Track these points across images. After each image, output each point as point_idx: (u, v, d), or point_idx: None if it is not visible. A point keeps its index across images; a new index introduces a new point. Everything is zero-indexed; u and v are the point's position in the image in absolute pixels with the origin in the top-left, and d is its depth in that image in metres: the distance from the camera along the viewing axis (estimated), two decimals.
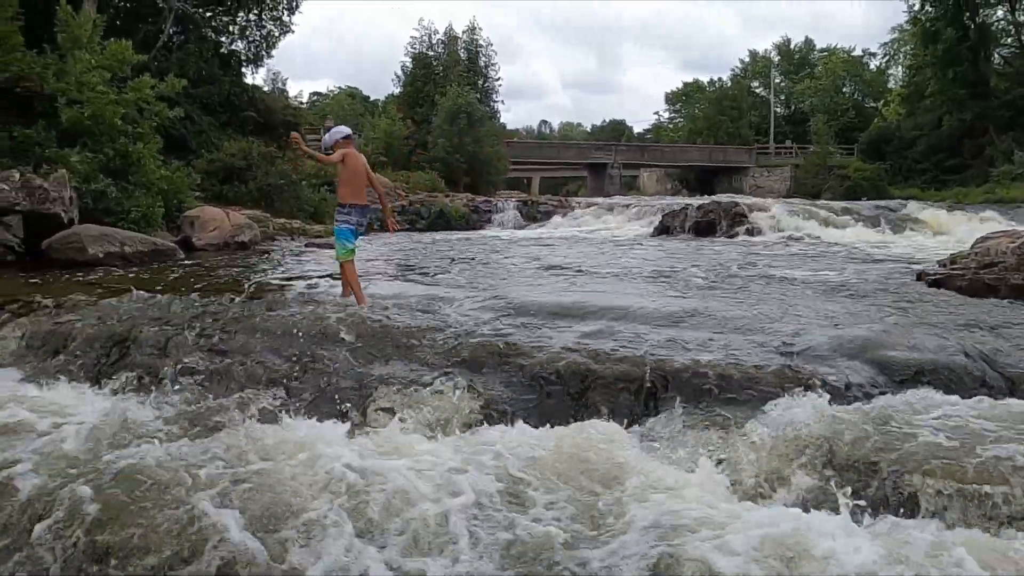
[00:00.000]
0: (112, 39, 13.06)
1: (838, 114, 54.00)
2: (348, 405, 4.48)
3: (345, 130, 6.68)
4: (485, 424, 4.09)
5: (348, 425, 4.11)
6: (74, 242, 9.85)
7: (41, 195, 10.10)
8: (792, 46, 66.15)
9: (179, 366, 5.03)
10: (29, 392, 4.77)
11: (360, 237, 6.77)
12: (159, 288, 7.41)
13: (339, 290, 6.96)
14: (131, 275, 8.71)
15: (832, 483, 3.24)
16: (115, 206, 11.49)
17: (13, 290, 7.41)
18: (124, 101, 12.23)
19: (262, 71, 45.23)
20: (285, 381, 4.81)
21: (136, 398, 4.62)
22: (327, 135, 6.69)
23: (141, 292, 6.96)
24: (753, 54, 67.96)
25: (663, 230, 18.20)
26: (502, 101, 50.14)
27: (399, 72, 44.83)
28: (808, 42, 66.35)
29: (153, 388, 4.81)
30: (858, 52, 61.23)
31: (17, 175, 9.97)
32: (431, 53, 43.43)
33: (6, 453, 3.59)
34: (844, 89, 58.78)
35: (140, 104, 12.70)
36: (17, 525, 3.02)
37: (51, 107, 11.71)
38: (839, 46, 63.03)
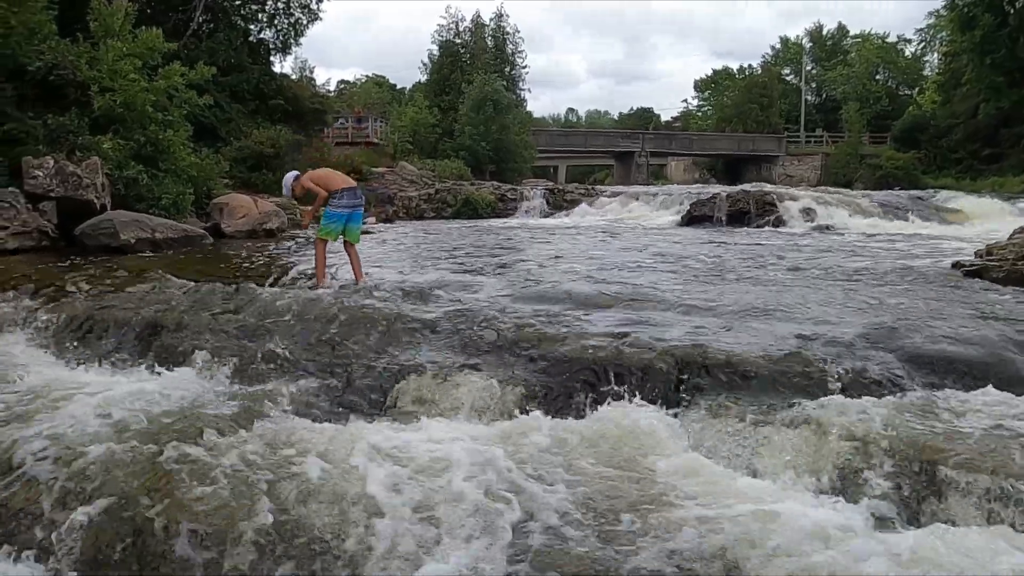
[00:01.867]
0: (143, 27, 13.16)
1: (871, 102, 52.93)
2: (377, 393, 4.48)
3: (291, 174, 7.25)
4: (517, 412, 4.06)
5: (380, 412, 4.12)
6: (106, 228, 9.98)
7: (75, 181, 10.24)
8: (824, 32, 64.92)
9: (209, 350, 5.07)
10: (62, 374, 4.84)
11: (366, 222, 6.94)
12: (189, 274, 7.47)
13: (356, 276, 6.99)
14: (162, 261, 8.80)
15: (871, 478, 3.16)
16: (146, 192, 11.62)
17: (48, 274, 7.53)
18: (155, 89, 12.34)
19: (290, 59, 45.42)
20: (314, 367, 4.82)
21: (168, 381, 4.65)
22: (285, 190, 7.31)
23: (171, 277, 7.03)
24: (784, 41, 66.87)
25: (691, 219, 17.98)
26: (529, 89, 50.01)
27: (426, 60, 44.87)
28: (841, 28, 65.06)
29: (186, 371, 4.85)
30: (892, 38, 59.95)
31: (51, 162, 10.11)
32: (458, 41, 43.36)
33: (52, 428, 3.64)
34: (877, 76, 57.57)
35: (170, 92, 12.80)
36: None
37: (84, 95, 11.85)
38: (873, 32, 61.76)
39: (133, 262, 8.62)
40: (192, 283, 6.85)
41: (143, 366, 5.04)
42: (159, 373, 4.79)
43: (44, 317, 6.04)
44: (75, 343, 5.57)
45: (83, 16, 12.77)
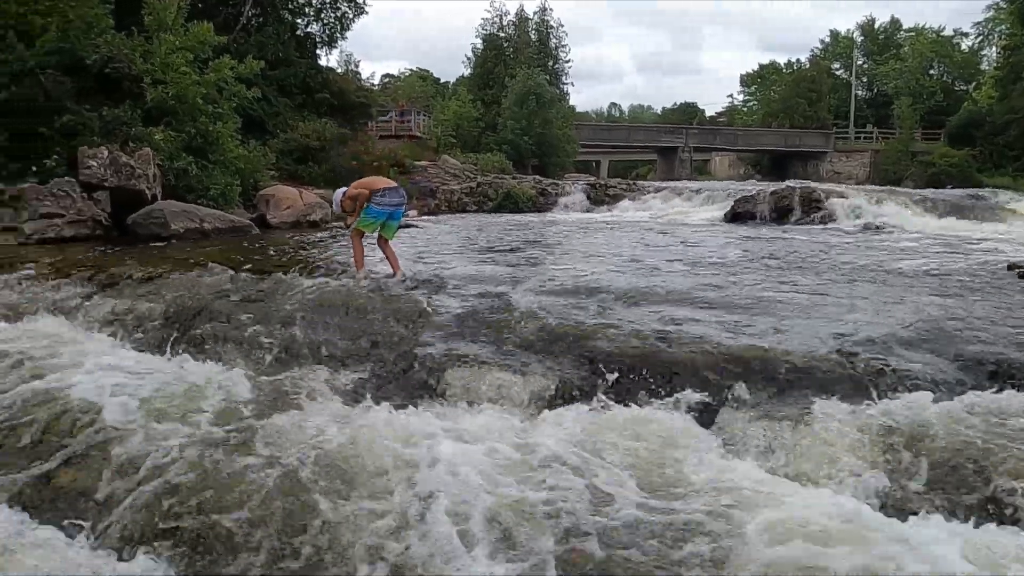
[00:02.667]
0: (195, 21, 13.47)
1: (924, 97, 51.39)
2: (416, 383, 4.53)
3: (340, 190, 7.36)
4: (553, 405, 4.07)
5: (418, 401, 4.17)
6: (157, 217, 10.26)
7: (127, 172, 10.55)
8: (877, 26, 63.26)
9: (250, 336, 5.19)
10: (111, 358, 4.98)
11: (408, 215, 7.03)
12: (234, 263, 7.63)
13: (393, 269, 7.06)
14: (209, 250, 9.01)
15: (919, 481, 3.10)
16: (195, 183, 11.91)
17: (102, 262, 7.77)
18: (205, 82, 12.63)
19: (336, 53, 45.99)
20: (355, 357, 4.89)
21: (215, 366, 4.78)
22: (335, 206, 7.52)
23: (217, 266, 7.20)
24: (834, 34, 65.35)
25: (735, 216, 17.71)
26: (572, 83, 49.80)
27: (469, 54, 44.95)
28: (894, 22, 63.28)
29: (230, 357, 4.97)
30: (948, 32, 58.12)
31: (106, 152, 10.43)
32: (502, 35, 43.29)
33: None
34: (932, 71, 55.86)
35: (220, 85, 13.09)
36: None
37: (138, 87, 12.18)
38: (927, 26, 59.94)
39: (181, 251, 8.85)
40: (237, 272, 7.00)
41: (187, 351, 5.17)
42: (202, 358, 4.92)
43: (97, 302, 6.25)
44: (123, 327, 5.75)
45: (138, 11, 13.12)
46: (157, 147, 11.46)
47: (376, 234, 7.07)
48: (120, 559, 2.85)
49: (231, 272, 6.98)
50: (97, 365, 4.51)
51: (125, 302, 6.17)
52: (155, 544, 2.88)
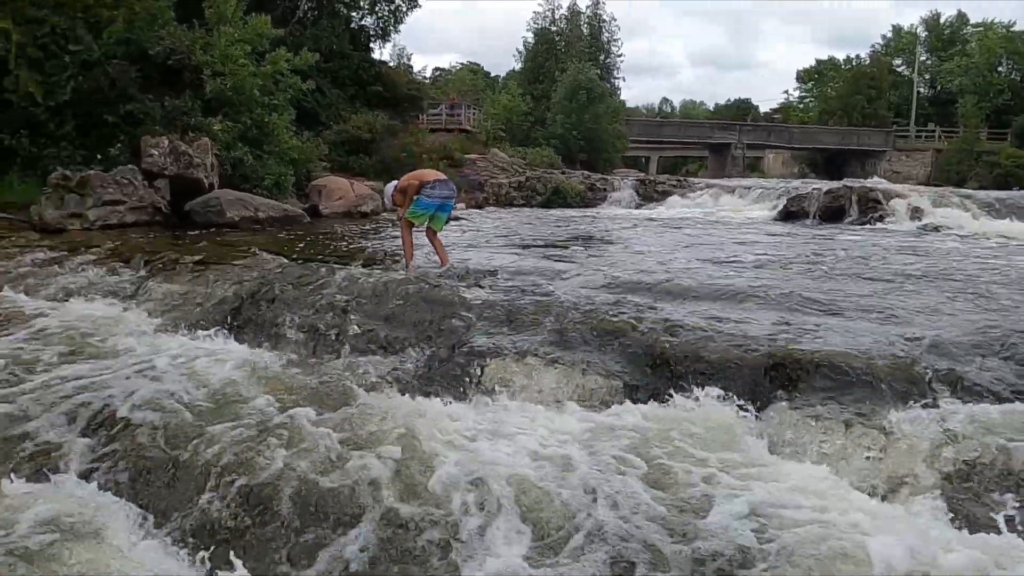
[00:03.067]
0: (253, 14, 13.74)
1: (991, 95, 49.47)
2: (462, 375, 4.56)
3: (391, 184, 7.44)
4: (598, 401, 4.05)
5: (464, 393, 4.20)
6: (214, 206, 10.53)
7: (186, 161, 10.84)
8: (942, 21, 61.09)
9: (299, 324, 5.30)
10: (166, 341, 5.14)
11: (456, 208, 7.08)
12: (287, 251, 7.79)
13: (442, 261, 7.11)
14: (262, 238, 9.21)
15: (971, 489, 3.00)
16: (251, 173, 12.18)
17: (160, 247, 8.01)
18: (262, 73, 12.88)
19: (389, 46, 46.48)
20: (400, 347, 4.95)
21: (264, 351, 4.89)
22: (387, 199, 7.60)
23: (269, 255, 7.35)
24: (897, 29, 63.31)
25: (787, 214, 17.35)
26: (623, 78, 49.34)
27: (521, 48, 44.91)
28: (960, 16, 60.97)
29: (277, 342, 5.08)
30: (1019, 27, 55.77)
31: (166, 142, 10.73)
32: (553, 28, 43.15)
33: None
34: (1000, 68, 53.73)
35: (276, 76, 13.33)
36: None
37: (197, 78, 12.49)
38: (996, 20, 57.64)
39: (236, 238, 9.06)
40: (288, 260, 7.14)
41: (236, 337, 5.30)
42: (253, 343, 5.04)
43: (153, 287, 6.45)
44: (179, 312, 5.93)
45: (199, 4, 13.43)
46: (215, 137, 11.75)
47: (425, 226, 7.12)
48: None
49: (283, 260, 7.13)
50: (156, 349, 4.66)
51: (180, 287, 6.36)
52: None
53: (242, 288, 6.07)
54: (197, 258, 7.19)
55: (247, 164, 12.14)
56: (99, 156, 11.28)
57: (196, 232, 9.63)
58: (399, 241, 7.46)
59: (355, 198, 13.71)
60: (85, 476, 3.28)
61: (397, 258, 7.51)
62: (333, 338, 5.14)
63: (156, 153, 10.61)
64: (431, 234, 7.19)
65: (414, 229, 7.14)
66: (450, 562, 2.65)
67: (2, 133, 11.33)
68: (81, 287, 6.60)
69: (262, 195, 11.81)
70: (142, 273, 6.90)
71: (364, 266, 7.13)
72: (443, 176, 7.27)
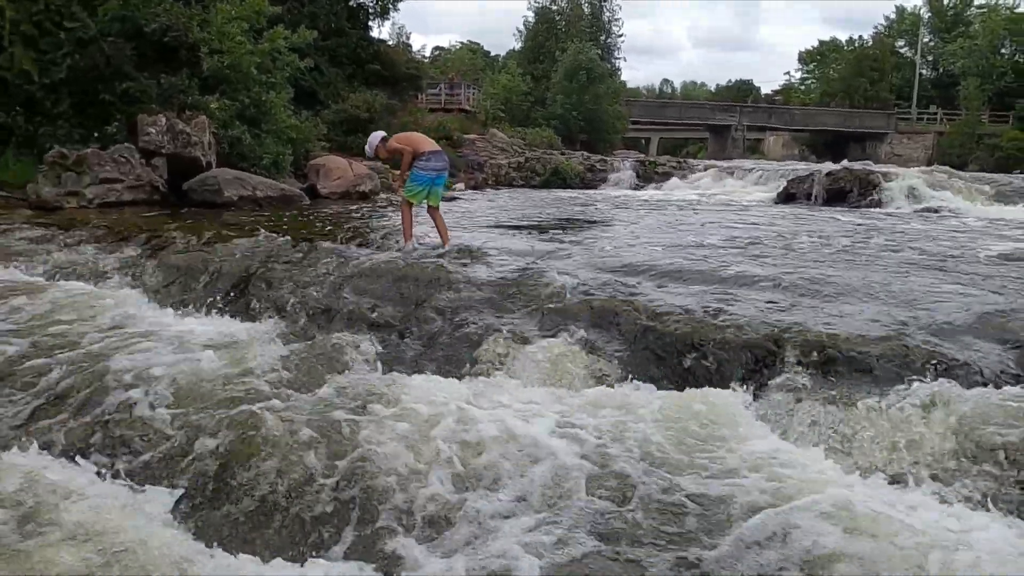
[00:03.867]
0: None
1: (994, 77, 49.13)
2: (458, 353, 4.57)
3: (378, 134, 7.18)
4: (595, 382, 4.06)
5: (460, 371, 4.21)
6: (211, 184, 10.48)
7: (184, 139, 10.78)
8: (946, 2, 60.56)
9: (297, 302, 5.30)
10: (162, 318, 5.14)
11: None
12: (285, 231, 7.76)
13: (442, 240, 7.09)
14: (260, 217, 9.18)
15: (970, 471, 3.01)
16: (249, 152, 12.11)
17: (157, 225, 7.99)
18: (259, 51, 12.76)
19: (387, 25, 46.10)
20: (394, 326, 4.95)
21: (260, 327, 4.89)
22: (369, 149, 7.20)
23: (268, 233, 7.33)
24: (900, 10, 62.78)
25: (787, 196, 17.30)
26: (624, 58, 48.99)
27: (521, 27, 44.55)
28: None
29: (274, 319, 5.09)
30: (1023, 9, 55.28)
31: (163, 120, 10.66)
32: (554, 7, 42.79)
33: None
34: (1003, 50, 53.31)
35: (274, 54, 13.21)
36: None
37: (194, 56, 12.37)
38: (1001, 2, 57.11)
39: (234, 217, 9.03)
40: (287, 239, 7.12)
41: (232, 314, 5.31)
42: (249, 320, 5.04)
43: (150, 265, 6.44)
44: (174, 290, 5.93)
45: None
46: (212, 115, 11.67)
47: (424, 204, 7.08)
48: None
49: (281, 239, 7.11)
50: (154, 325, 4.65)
51: (173, 265, 6.35)
52: None
53: (237, 266, 6.07)
54: (193, 237, 7.17)
55: (245, 143, 12.07)
56: (96, 134, 11.22)
57: (194, 211, 9.60)
58: (395, 220, 7.43)
59: (354, 178, 13.63)
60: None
61: (396, 237, 7.49)
62: (324, 315, 5.16)
63: (153, 131, 10.55)
64: (432, 211, 7.15)
65: (413, 207, 7.11)
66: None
67: None
68: (76, 264, 6.60)
69: (260, 174, 11.75)
70: (139, 251, 6.89)
71: (362, 245, 7.12)
72: (438, 147, 7.18)
